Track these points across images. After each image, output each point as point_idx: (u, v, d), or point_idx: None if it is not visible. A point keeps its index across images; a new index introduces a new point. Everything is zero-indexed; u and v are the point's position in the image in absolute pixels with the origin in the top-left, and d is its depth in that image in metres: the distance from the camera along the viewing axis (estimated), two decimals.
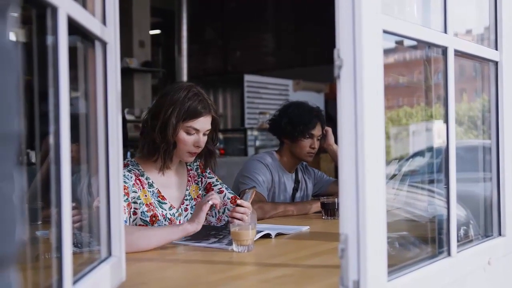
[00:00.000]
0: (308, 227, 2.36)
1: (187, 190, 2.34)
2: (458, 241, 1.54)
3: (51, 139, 1.01)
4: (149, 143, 2.20)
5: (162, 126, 2.16)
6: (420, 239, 1.71)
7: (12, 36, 0.59)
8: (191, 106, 2.16)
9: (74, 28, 1.11)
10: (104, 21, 1.34)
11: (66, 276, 1.00)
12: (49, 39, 1.02)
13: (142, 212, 2.13)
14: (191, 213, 2.30)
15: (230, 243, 1.91)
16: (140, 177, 2.20)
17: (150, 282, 1.56)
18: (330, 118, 6.21)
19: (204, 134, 2.22)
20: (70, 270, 1.02)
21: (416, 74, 2.05)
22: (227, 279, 1.55)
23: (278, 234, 2.17)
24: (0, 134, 0.55)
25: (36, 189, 2.19)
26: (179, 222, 2.25)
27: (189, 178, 2.38)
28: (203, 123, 2.20)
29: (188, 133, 2.19)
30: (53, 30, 1.00)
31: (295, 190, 3.13)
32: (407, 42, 1.57)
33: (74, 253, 1.09)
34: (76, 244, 1.36)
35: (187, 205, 2.32)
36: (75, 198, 1.10)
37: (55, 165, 1.00)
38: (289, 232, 2.24)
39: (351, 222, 1.17)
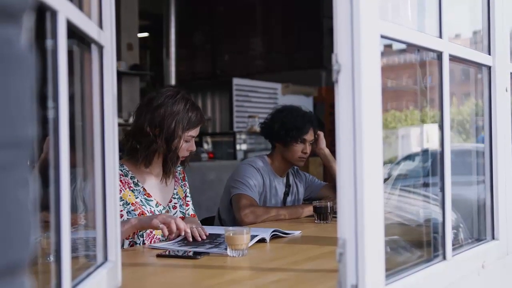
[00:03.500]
0: (300, 231, 2.36)
1: (175, 189, 2.42)
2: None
3: (50, 143, 1.00)
4: (153, 153, 2.26)
5: (168, 138, 2.23)
6: (415, 243, 1.72)
7: (27, 42, 0.58)
8: (192, 117, 2.28)
9: (72, 31, 1.10)
10: (100, 25, 1.34)
11: (65, 282, 0.99)
12: (48, 43, 1.01)
13: (129, 212, 2.17)
14: (180, 211, 2.40)
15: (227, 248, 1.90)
16: (123, 177, 2.23)
17: (145, 287, 1.55)
18: (319, 121, 6.23)
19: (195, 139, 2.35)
20: (69, 275, 1.01)
21: (405, 78, 2.06)
22: (224, 284, 1.55)
23: (273, 236, 2.18)
24: (16, 139, 0.55)
25: None
26: None
27: (176, 179, 2.45)
28: (198, 129, 2.34)
29: (186, 141, 2.30)
30: (52, 33, 0.99)
31: (286, 194, 3.13)
32: (395, 46, 1.58)
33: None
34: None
35: (175, 203, 2.40)
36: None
37: (54, 170, 0.99)
38: (284, 234, 2.24)
39: (349, 227, 1.17)
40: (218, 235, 2.17)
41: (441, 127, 1.53)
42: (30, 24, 0.61)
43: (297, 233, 2.34)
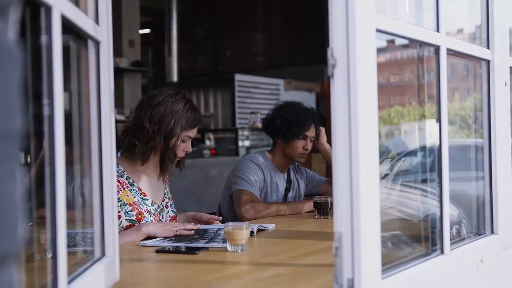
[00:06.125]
0: (274, 225, 2.39)
1: (165, 189, 2.46)
2: (450, 239, 1.55)
3: (45, 140, 1.00)
4: (150, 150, 2.27)
5: (166, 136, 2.25)
6: (413, 238, 1.72)
7: (13, 35, 0.59)
8: (190, 118, 2.30)
9: (67, 27, 1.10)
10: (97, 20, 1.34)
11: (61, 276, 1.00)
12: (43, 38, 1.01)
13: (126, 213, 2.20)
14: (172, 210, 2.44)
15: (225, 241, 1.91)
16: (119, 178, 2.24)
17: (143, 282, 1.56)
18: (321, 117, 6.23)
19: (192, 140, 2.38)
20: (65, 270, 1.01)
21: (408, 73, 2.05)
22: (222, 278, 1.55)
23: (258, 230, 2.23)
24: (3, 132, 0.55)
25: (28, 189, 2.21)
26: (162, 218, 2.37)
27: (166, 179, 2.48)
28: (196, 131, 2.37)
29: (183, 141, 2.31)
30: (47, 29, 0.99)
31: (287, 190, 3.13)
32: (398, 41, 1.58)
33: (67, 253, 1.08)
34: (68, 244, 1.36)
35: (167, 202, 2.44)
36: (67, 198, 1.10)
37: (49, 167, 1.00)
38: (265, 228, 2.30)
39: (345, 220, 1.17)
40: (206, 230, 2.19)
41: (439, 122, 1.53)
42: (17, 18, 0.61)
43: (271, 226, 2.37)
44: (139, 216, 2.23)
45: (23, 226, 0.59)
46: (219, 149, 7.49)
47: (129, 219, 2.21)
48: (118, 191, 2.20)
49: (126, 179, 2.28)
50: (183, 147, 2.32)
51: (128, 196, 2.24)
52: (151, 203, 2.31)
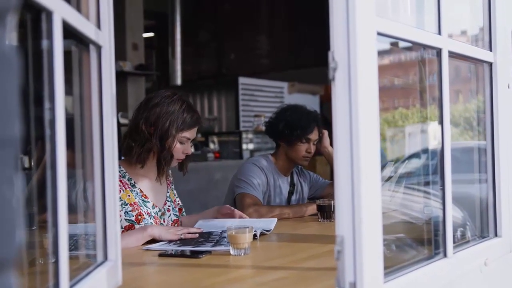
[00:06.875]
0: (275, 219, 2.40)
1: (167, 192, 2.45)
2: (454, 242, 1.55)
3: (47, 144, 1.00)
4: (147, 151, 2.27)
5: (162, 137, 2.25)
6: (417, 241, 1.71)
7: (12, 41, 0.59)
8: (187, 118, 2.29)
9: (69, 32, 1.11)
10: (98, 25, 1.34)
11: (62, 281, 1.00)
12: (44, 43, 1.01)
13: (126, 213, 2.20)
14: (173, 213, 2.43)
15: (229, 245, 1.90)
16: (121, 179, 2.26)
17: (146, 286, 1.56)
18: (325, 120, 6.21)
19: (191, 142, 2.36)
20: (67, 274, 1.01)
21: (412, 76, 2.05)
22: (225, 282, 1.55)
23: (261, 234, 2.22)
24: (1, 138, 0.55)
25: (31, 194, 2.21)
26: (163, 221, 2.36)
27: (168, 182, 2.48)
28: (195, 132, 2.35)
29: (181, 143, 2.31)
30: (48, 34, 1.00)
31: (290, 193, 3.13)
32: (401, 44, 1.58)
33: (70, 257, 1.09)
34: (71, 248, 1.36)
35: (169, 206, 2.43)
36: (70, 203, 1.10)
37: (51, 170, 1.00)
38: (268, 228, 2.29)
39: (347, 224, 1.17)
40: (210, 233, 2.19)
41: (441, 124, 1.53)
42: (15, 23, 0.62)
43: (273, 224, 2.36)
44: (139, 217, 2.23)
45: (21, 231, 0.59)
46: (223, 152, 7.48)
47: (128, 219, 2.21)
48: (120, 190, 2.20)
49: (128, 180, 2.28)
50: (182, 149, 2.31)
51: (129, 196, 2.25)
52: (152, 206, 2.31)
